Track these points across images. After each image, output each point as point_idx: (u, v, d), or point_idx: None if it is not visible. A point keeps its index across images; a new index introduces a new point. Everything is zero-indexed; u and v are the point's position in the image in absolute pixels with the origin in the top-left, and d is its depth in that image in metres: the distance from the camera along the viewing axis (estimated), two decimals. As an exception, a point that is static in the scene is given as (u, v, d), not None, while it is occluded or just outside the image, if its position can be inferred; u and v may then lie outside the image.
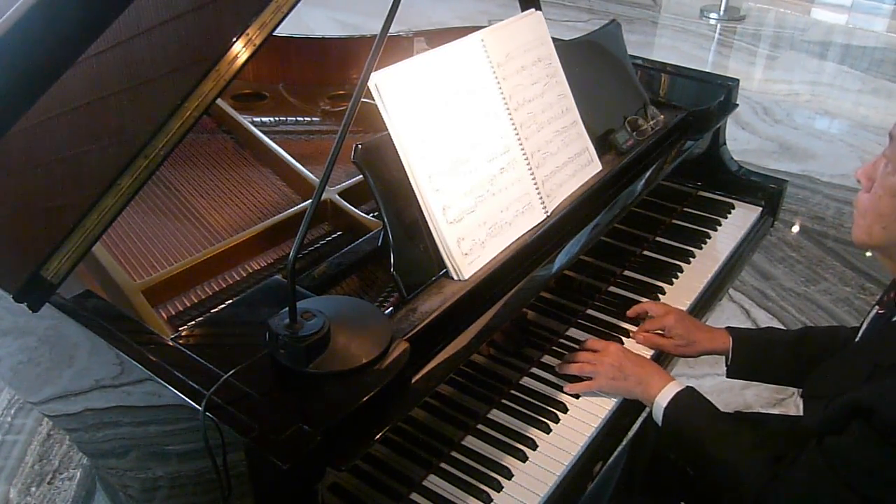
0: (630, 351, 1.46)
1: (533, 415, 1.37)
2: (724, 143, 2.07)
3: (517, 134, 1.41)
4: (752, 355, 1.53)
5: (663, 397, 1.33)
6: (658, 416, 1.34)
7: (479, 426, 1.35)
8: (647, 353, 1.54)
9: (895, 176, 1.13)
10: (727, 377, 1.57)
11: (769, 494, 1.16)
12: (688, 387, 1.35)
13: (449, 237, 1.24)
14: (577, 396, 1.42)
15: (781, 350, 1.52)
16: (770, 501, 1.15)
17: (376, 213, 1.45)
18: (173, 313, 1.31)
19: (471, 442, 1.32)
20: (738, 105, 2.00)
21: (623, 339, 1.57)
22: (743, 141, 4.31)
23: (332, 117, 2.03)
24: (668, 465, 1.51)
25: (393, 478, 1.21)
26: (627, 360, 1.41)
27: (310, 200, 1.24)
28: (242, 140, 1.84)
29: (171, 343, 1.10)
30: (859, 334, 1.33)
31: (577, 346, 1.53)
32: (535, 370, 1.47)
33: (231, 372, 1.00)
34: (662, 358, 1.57)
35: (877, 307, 1.30)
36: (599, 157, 1.60)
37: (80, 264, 1.12)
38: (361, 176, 1.23)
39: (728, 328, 1.56)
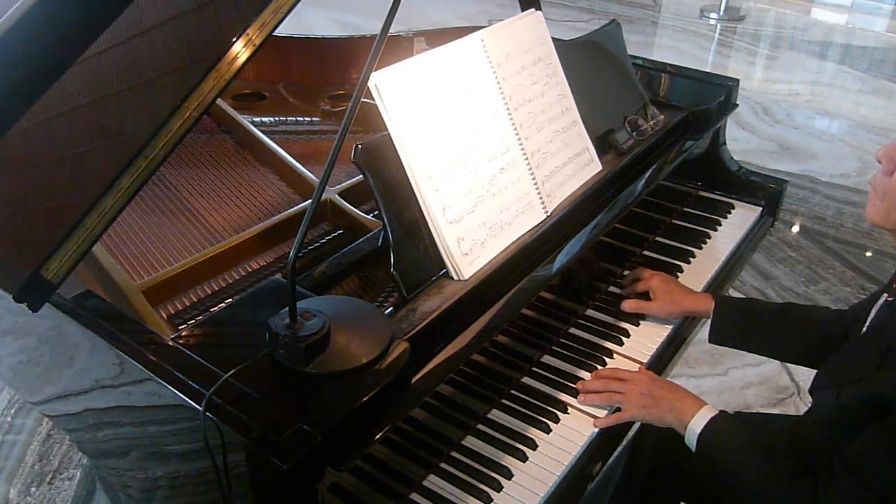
0: (658, 377, 1.42)
1: (533, 415, 1.37)
2: (724, 143, 2.07)
3: (517, 134, 1.41)
4: (733, 320, 1.57)
5: (697, 423, 1.29)
6: (692, 442, 1.30)
7: (479, 426, 1.35)
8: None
9: None
10: (709, 342, 1.60)
11: None
12: (721, 411, 1.31)
13: (449, 237, 1.24)
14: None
15: (763, 318, 1.55)
16: None
17: (376, 213, 1.45)
18: (173, 313, 1.31)
19: (471, 442, 1.32)
20: (738, 105, 2.00)
21: (623, 339, 1.57)
22: (743, 141, 4.31)
23: (332, 117, 2.03)
24: (668, 466, 1.52)
25: (393, 478, 1.21)
26: (657, 387, 1.37)
27: (310, 200, 1.24)
28: (242, 140, 1.84)
29: (171, 343, 1.10)
30: (867, 324, 1.32)
31: (576, 346, 1.54)
32: (535, 370, 1.47)
33: (231, 372, 1.00)
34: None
35: (885, 295, 1.29)
36: (599, 157, 1.60)
37: (80, 264, 1.12)
38: (361, 176, 1.23)
39: (712, 293, 1.60)
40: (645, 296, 1.63)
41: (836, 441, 1.17)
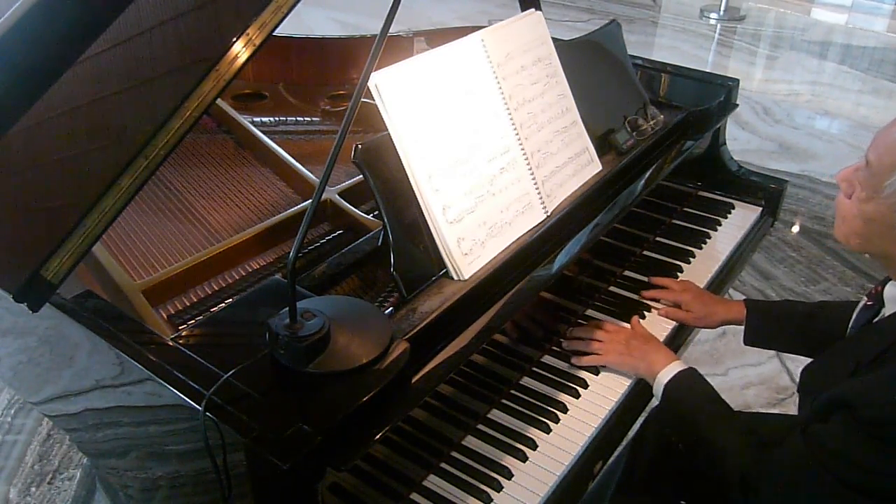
0: (641, 332, 1.51)
1: (533, 415, 1.37)
2: (724, 143, 2.07)
3: (517, 134, 1.41)
4: (764, 326, 1.61)
5: (665, 374, 1.38)
6: (658, 392, 1.39)
7: (479, 426, 1.35)
8: (669, 325, 1.62)
9: (868, 204, 1.14)
10: (743, 343, 1.64)
11: (753, 474, 1.19)
12: (690, 367, 1.39)
13: (449, 237, 1.24)
14: (593, 372, 1.45)
15: (792, 323, 1.59)
16: (754, 481, 1.18)
17: (376, 213, 1.45)
18: (173, 313, 1.31)
19: (471, 442, 1.32)
20: (738, 105, 2.00)
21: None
22: (743, 141, 4.31)
23: (332, 117, 2.03)
24: (668, 466, 1.52)
25: (393, 478, 1.21)
26: (634, 338, 1.47)
27: (310, 200, 1.24)
28: (242, 140, 1.84)
29: (171, 343, 1.10)
30: (849, 327, 1.35)
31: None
32: (535, 370, 1.47)
33: (231, 372, 1.00)
34: (683, 330, 1.64)
35: (865, 299, 1.32)
36: (599, 157, 1.60)
37: (80, 264, 1.12)
38: (361, 176, 1.23)
39: (745, 299, 1.64)
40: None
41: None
